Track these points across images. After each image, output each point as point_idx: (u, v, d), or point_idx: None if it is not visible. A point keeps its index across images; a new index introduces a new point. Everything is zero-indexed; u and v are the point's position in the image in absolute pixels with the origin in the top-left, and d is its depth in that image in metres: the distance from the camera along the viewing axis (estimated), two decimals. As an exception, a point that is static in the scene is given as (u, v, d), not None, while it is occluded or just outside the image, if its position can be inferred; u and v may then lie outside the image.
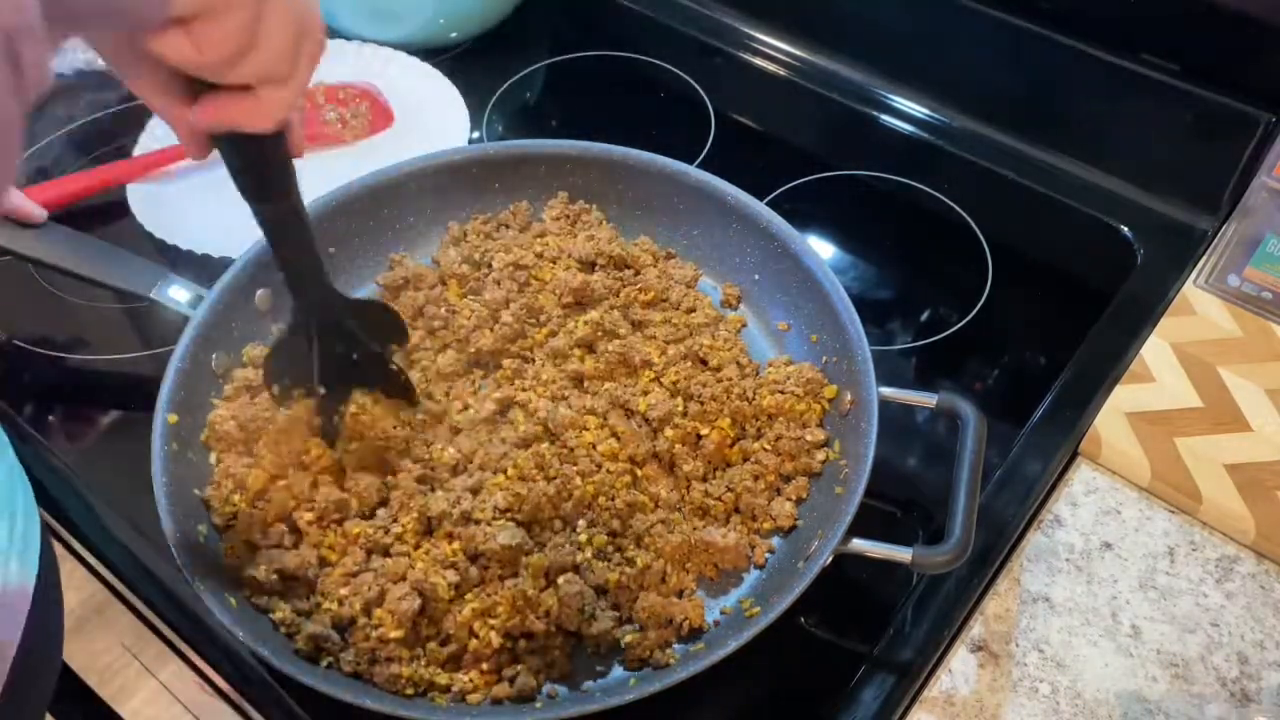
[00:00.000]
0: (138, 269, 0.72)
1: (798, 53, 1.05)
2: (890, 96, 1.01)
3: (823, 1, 1.03)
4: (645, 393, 0.71)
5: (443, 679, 0.58)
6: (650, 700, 0.54)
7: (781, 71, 1.05)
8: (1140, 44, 0.87)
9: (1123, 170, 0.91)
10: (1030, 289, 0.87)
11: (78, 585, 0.71)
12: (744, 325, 0.78)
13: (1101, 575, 0.67)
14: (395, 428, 0.66)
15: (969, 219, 0.90)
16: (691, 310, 0.76)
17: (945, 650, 0.63)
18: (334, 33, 1.06)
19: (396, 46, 1.03)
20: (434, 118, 0.98)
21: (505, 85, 1.04)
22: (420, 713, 0.55)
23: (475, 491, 0.65)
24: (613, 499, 0.65)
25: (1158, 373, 0.76)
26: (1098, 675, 0.62)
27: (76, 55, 1.03)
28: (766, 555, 0.66)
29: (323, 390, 0.65)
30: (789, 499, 0.68)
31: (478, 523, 0.63)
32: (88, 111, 1.00)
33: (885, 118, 1.00)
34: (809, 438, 0.69)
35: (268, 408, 0.67)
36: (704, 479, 0.68)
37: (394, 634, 0.58)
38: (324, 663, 0.58)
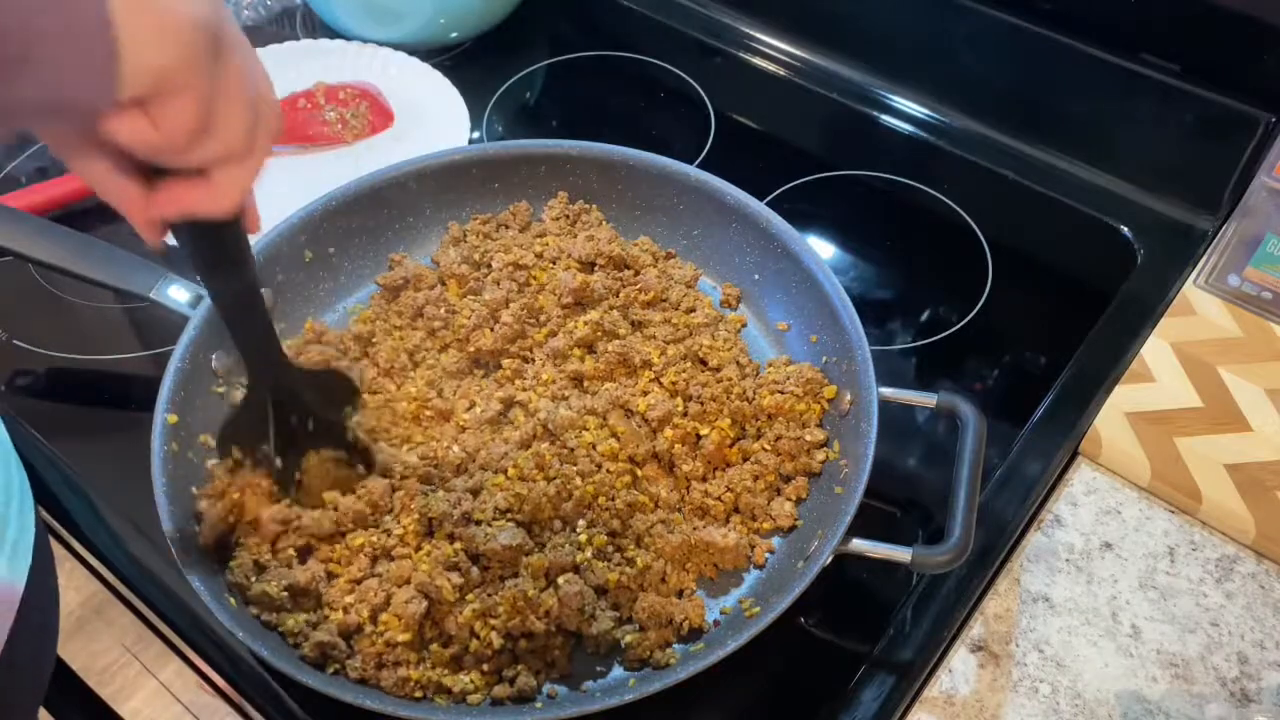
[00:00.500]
0: (137, 269, 0.72)
1: (798, 53, 1.05)
2: (890, 96, 1.01)
3: (823, 1, 1.03)
4: (645, 393, 0.71)
5: (450, 681, 0.58)
6: (650, 700, 0.54)
7: (781, 71, 1.05)
8: (1140, 44, 0.87)
9: (1123, 170, 0.91)
10: (1030, 289, 0.87)
11: (78, 585, 0.71)
12: (744, 325, 0.78)
13: (1101, 575, 0.67)
14: (351, 499, 0.64)
15: (969, 219, 0.90)
16: (691, 310, 0.76)
17: (945, 650, 0.63)
18: (334, 33, 1.07)
19: (396, 46, 1.03)
20: (434, 118, 0.97)
21: (505, 85, 1.04)
22: (420, 713, 0.55)
23: (475, 492, 0.65)
24: (613, 499, 0.65)
25: (1158, 373, 0.76)
26: (1098, 675, 0.62)
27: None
28: (766, 555, 0.66)
29: (279, 461, 0.62)
30: (789, 499, 0.68)
31: (478, 523, 0.63)
32: (88, 111, 1.00)
33: (885, 118, 1.00)
34: (809, 438, 0.69)
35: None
36: (704, 479, 0.68)
37: (402, 637, 0.58)
38: (330, 669, 0.58)
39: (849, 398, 0.69)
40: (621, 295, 0.77)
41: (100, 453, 0.74)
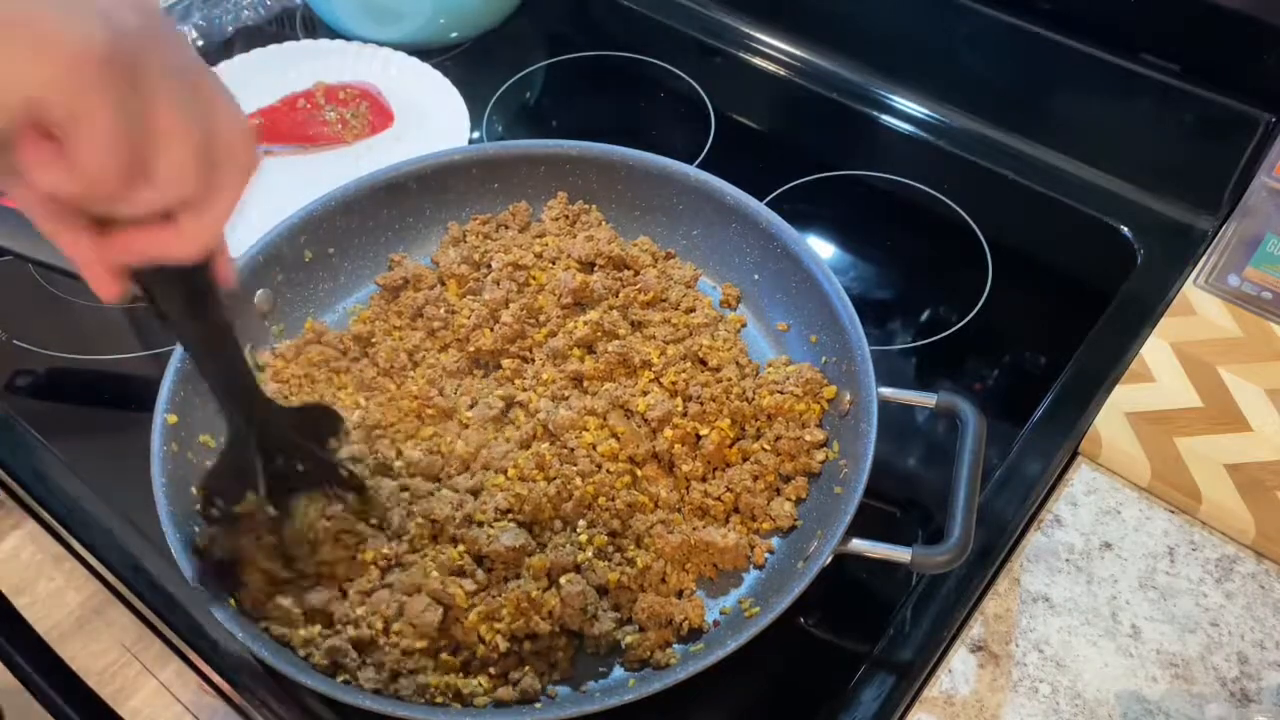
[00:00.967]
0: (137, 269, 0.72)
1: (798, 53, 1.05)
2: (890, 96, 1.01)
3: (823, 1, 1.03)
4: (645, 393, 0.71)
5: (462, 685, 0.58)
6: (650, 700, 0.54)
7: (781, 71, 1.05)
8: (1140, 44, 0.87)
9: (1123, 170, 0.91)
10: (1030, 289, 0.87)
11: (78, 585, 0.71)
12: (743, 325, 0.78)
13: (1101, 575, 0.67)
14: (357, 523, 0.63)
15: (969, 219, 0.90)
16: (691, 310, 0.76)
17: (945, 650, 0.63)
18: (334, 33, 1.07)
19: (396, 46, 1.03)
20: (434, 118, 0.98)
21: (505, 85, 1.04)
22: (419, 714, 0.55)
23: (476, 493, 0.65)
24: (613, 499, 0.65)
25: (1158, 373, 0.76)
26: (1098, 675, 0.62)
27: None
28: (766, 555, 0.66)
29: (271, 510, 0.58)
30: (788, 499, 0.68)
31: (480, 525, 0.63)
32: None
33: (885, 118, 1.00)
34: (808, 438, 0.69)
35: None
36: (703, 479, 0.68)
37: (419, 644, 0.58)
38: (340, 678, 0.58)
39: (849, 398, 0.69)
40: (621, 295, 0.76)
41: (100, 453, 0.74)
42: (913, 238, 0.90)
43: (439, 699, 0.58)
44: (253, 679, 0.62)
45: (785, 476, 0.69)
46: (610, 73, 1.06)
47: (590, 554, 0.63)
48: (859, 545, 0.60)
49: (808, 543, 0.64)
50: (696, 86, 1.03)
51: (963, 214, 0.90)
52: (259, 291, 0.74)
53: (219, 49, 1.08)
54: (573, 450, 0.67)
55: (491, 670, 0.59)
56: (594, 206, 0.83)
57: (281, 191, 0.90)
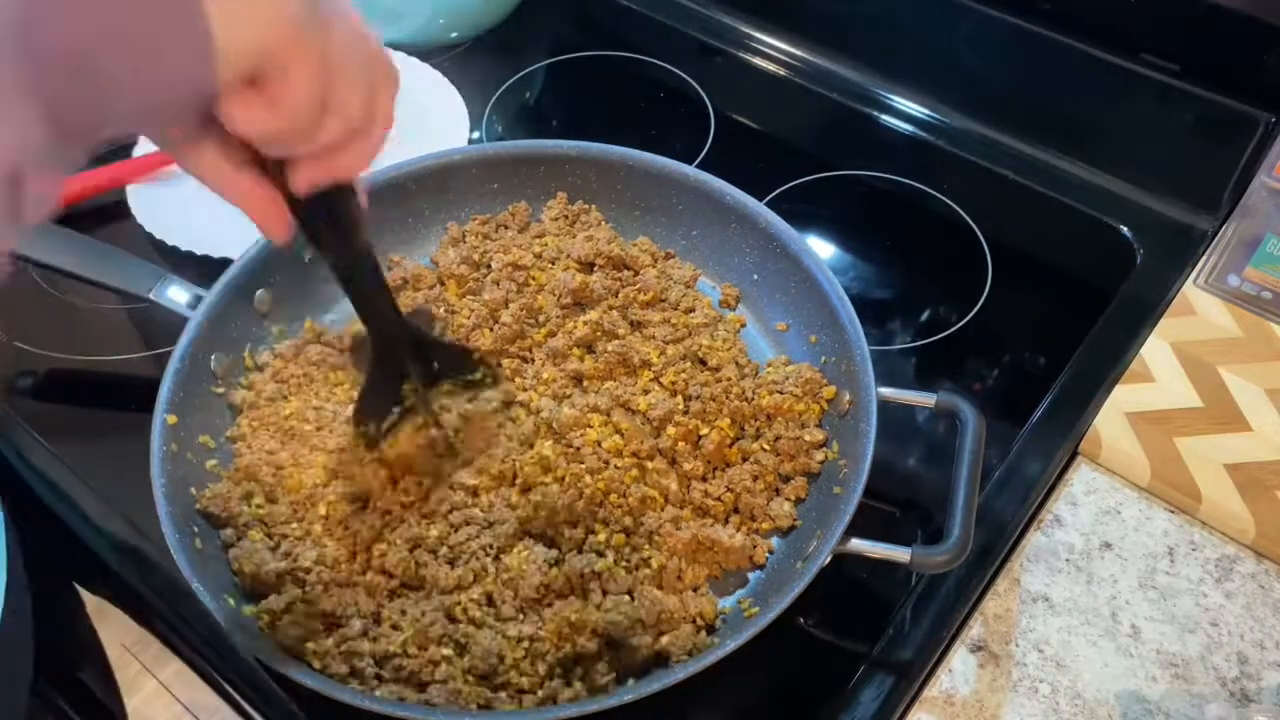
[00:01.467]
0: (137, 270, 0.72)
1: (798, 53, 1.05)
2: (890, 96, 1.01)
3: (823, 1, 1.03)
4: (645, 392, 0.71)
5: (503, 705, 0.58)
6: (650, 700, 0.54)
7: (781, 71, 1.05)
8: (1140, 44, 0.86)
9: (1123, 170, 0.91)
10: (1030, 289, 0.87)
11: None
12: (743, 325, 0.78)
13: (1101, 575, 0.67)
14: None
15: (969, 219, 0.90)
16: (690, 310, 0.76)
17: (945, 650, 0.63)
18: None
19: (396, 47, 1.03)
20: (433, 118, 0.97)
21: (505, 85, 1.04)
22: (418, 713, 0.55)
23: (476, 493, 0.66)
24: (624, 495, 0.65)
25: (1158, 373, 0.76)
26: (1097, 675, 0.62)
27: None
28: (766, 555, 0.66)
29: (433, 408, 0.64)
30: (788, 499, 0.68)
31: (498, 558, 0.63)
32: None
33: (885, 118, 1.00)
34: (808, 438, 0.69)
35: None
36: (703, 479, 0.68)
37: (444, 652, 0.58)
38: (353, 685, 0.57)
39: (848, 398, 0.69)
40: (621, 295, 0.76)
41: (100, 453, 0.74)
42: (913, 238, 0.90)
43: (473, 706, 0.57)
44: (252, 679, 0.62)
45: (785, 476, 0.69)
46: (610, 73, 1.06)
47: (611, 558, 0.63)
48: (858, 545, 0.60)
49: (807, 543, 0.64)
50: (696, 86, 1.03)
51: (963, 214, 0.90)
52: (259, 291, 0.74)
53: (219, 49, 1.08)
54: (579, 449, 0.67)
55: (539, 693, 0.58)
56: (594, 206, 0.83)
57: (281, 192, 0.90)
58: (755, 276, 0.79)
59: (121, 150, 0.95)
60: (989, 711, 0.61)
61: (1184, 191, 0.89)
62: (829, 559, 0.59)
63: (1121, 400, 0.74)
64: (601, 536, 0.64)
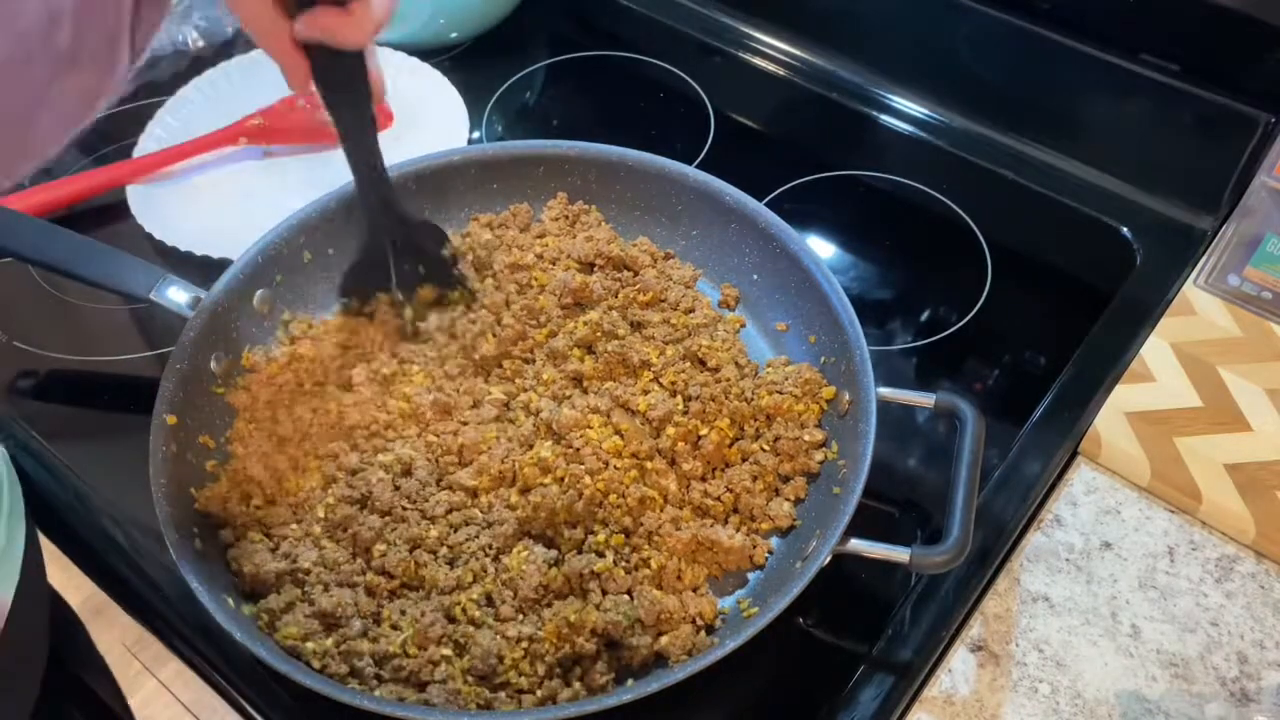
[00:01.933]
0: (136, 270, 0.72)
1: (798, 53, 1.05)
2: (890, 96, 1.01)
3: (823, 1, 1.03)
4: (645, 392, 0.71)
5: (491, 697, 0.58)
6: (650, 700, 0.54)
7: (781, 71, 1.05)
8: (1140, 44, 0.86)
9: (1123, 170, 0.91)
10: (1030, 289, 0.87)
11: (78, 585, 0.71)
12: (742, 325, 0.78)
13: (1101, 575, 0.67)
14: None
15: (969, 219, 0.90)
16: (690, 311, 0.76)
17: (944, 650, 0.63)
18: (334, 33, 1.07)
19: (396, 47, 1.03)
20: (433, 118, 0.98)
21: (505, 85, 1.04)
22: (418, 713, 0.55)
23: (476, 494, 0.66)
24: (624, 495, 0.65)
25: (1158, 373, 0.76)
26: (1097, 675, 0.62)
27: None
28: (765, 555, 0.66)
29: (400, 296, 0.73)
30: (787, 499, 0.68)
31: (498, 558, 0.63)
32: (88, 112, 1.01)
33: (885, 118, 1.00)
34: (807, 438, 0.69)
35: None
36: (703, 479, 0.68)
37: (444, 652, 0.58)
38: (350, 685, 0.57)
39: (848, 398, 0.69)
40: (621, 296, 0.76)
41: (100, 453, 0.74)
42: (912, 238, 0.90)
43: (472, 706, 0.57)
44: (252, 678, 0.62)
45: (784, 477, 0.69)
46: (610, 73, 1.06)
47: (611, 559, 0.63)
48: (858, 545, 0.60)
49: (806, 543, 0.64)
50: (696, 86, 1.03)
51: (963, 214, 0.90)
52: (258, 292, 0.74)
53: (220, 49, 1.08)
54: (578, 449, 0.67)
55: (538, 693, 0.58)
56: (594, 207, 0.83)
57: (281, 192, 0.90)
58: (755, 276, 0.79)
59: (121, 150, 0.96)
60: (989, 711, 0.61)
61: (1184, 191, 0.89)
62: (828, 559, 0.59)
63: (1121, 400, 0.74)
64: (601, 537, 0.64)
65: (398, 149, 0.91)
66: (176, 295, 0.71)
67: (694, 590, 0.64)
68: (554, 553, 0.63)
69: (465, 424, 0.70)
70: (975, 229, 0.89)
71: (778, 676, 0.63)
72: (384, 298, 0.74)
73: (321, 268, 0.78)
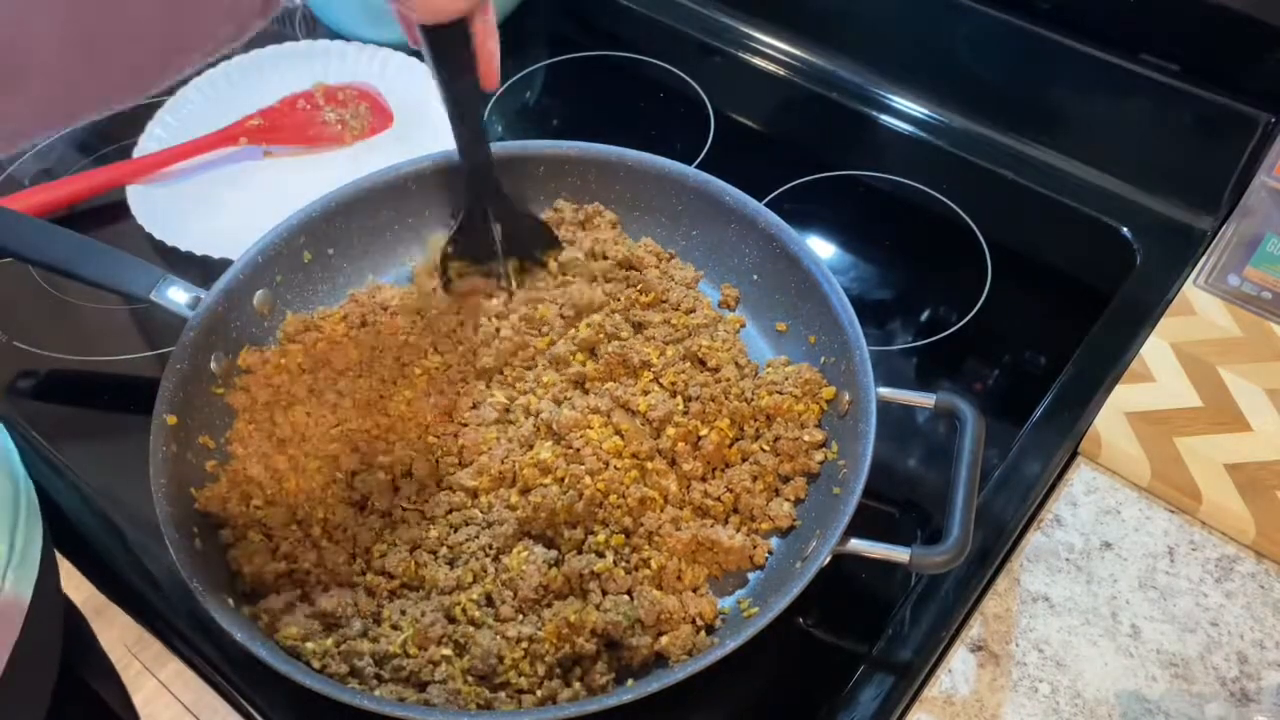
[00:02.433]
0: (137, 270, 0.72)
1: (798, 53, 1.05)
2: (890, 96, 1.01)
3: (823, 1, 1.03)
4: (645, 392, 0.71)
5: (492, 697, 0.58)
6: (650, 700, 0.54)
7: (781, 71, 1.05)
8: (1140, 44, 0.86)
9: (1123, 170, 0.91)
10: (1030, 289, 0.87)
11: (77, 585, 0.71)
12: (742, 326, 0.78)
13: (1101, 575, 0.67)
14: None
15: (969, 219, 0.90)
16: (691, 311, 0.76)
17: (944, 650, 0.63)
18: (334, 33, 1.07)
19: (396, 47, 1.04)
20: (434, 118, 0.97)
21: (505, 85, 1.04)
22: (418, 713, 0.55)
23: (476, 495, 0.65)
24: (624, 495, 0.65)
25: (1158, 373, 0.76)
26: (1097, 675, 0.62)
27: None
28: (765, 555, 0.66)
29: (505, 268, 0.77)
30: (787, 499, 0.68)
31: (498, 558, 0.63)
32: (88, 112, 1.01)
33: (885, 118, 1.00)
34: (807, 438, 0.69)
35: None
36: (703, 479, 0.68)
37: (444, 652, 0.59)
38: (350, 685, 0.57)
39: (847, 398, 0.69)
40: (623, 298, 0.76)
41: (100, 453, 0.74)
42: (912, 238, 0.90)
43: (472, 706, 0.57)
44: (252, 678, 0.62)
45: (784, 477, 0.69)
46: (610, 73, 1.06)
47: (611, 559, 0.63)
48: (858, 545, 0.60)
49: (806, 543, 0.64)
50: (696, 86, 1.03)
51: (962, 214, 0.90)
52: (259, 292, 0.74)
53: (219, 50, 1.08)
54: (579, 450, 0.67)
55: (538, 693, 0.58)
56: (607, 209, 0.83)
57: (281, 192, 0.90)
58: (755, 277, 0.79)
59: (122, 150, 0.96)
60: (989, 711, 0.61)
61: (1184, 191, 0.89)
62: (828, 559, 0.59)
63: (1121, 400, 0.74)
64: (601, 537, 0.64)
65: (398, 149, 0.92)
66: (176, 295, 0.71)
67: (694, 590, 0.64)
68: (554, 553, 0.63)
69: (465, 425, 0.70)
70: (975, 229, 0.89)
71: (778, 676, 0.63)
72: (477, 268, 0.76)
73: (321, 268, 0.78)
